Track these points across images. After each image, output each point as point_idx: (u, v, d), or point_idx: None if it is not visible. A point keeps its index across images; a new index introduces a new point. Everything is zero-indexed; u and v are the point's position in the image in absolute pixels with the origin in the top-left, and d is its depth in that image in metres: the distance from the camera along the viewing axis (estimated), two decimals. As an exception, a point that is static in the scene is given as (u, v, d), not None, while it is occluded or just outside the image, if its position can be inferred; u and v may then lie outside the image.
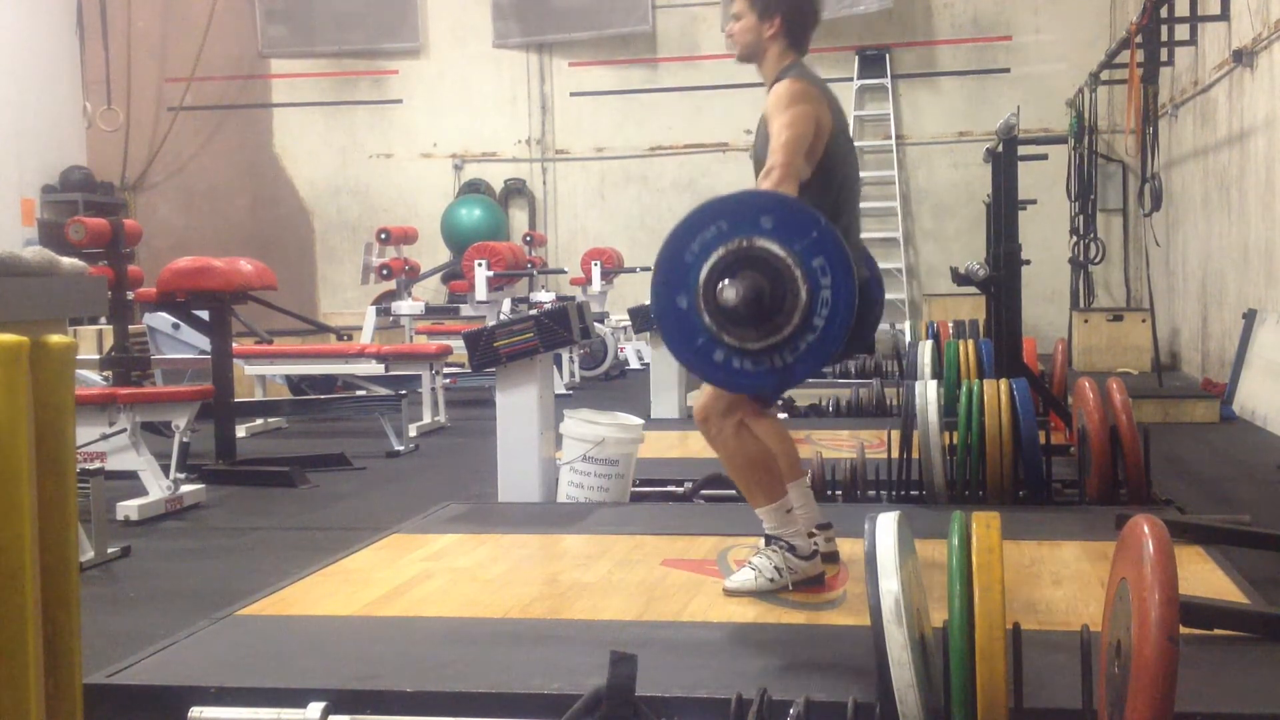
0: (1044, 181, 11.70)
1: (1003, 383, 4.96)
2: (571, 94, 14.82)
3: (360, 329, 11.27)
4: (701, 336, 3.08)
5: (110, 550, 4.90)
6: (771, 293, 3.01)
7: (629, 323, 9.72)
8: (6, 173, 13.66)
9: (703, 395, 3.58)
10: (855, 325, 3.39)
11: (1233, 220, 9.44)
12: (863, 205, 14.74)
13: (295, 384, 9.43)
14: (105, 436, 5.71)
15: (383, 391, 8.49)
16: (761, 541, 3.69)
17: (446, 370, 9.44)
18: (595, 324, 11.09)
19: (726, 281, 2.99)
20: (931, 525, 3.46)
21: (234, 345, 7.39)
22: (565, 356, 11.16)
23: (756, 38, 3.73)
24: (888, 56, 14.05)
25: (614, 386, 11.59)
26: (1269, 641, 2.97)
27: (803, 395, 7.72)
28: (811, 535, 3.69)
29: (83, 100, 13.44)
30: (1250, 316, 8.72)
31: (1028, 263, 6.88)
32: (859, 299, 3.28)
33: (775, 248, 3.01)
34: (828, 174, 3.59)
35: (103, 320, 8.94)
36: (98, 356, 8.13)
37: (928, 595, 2.66)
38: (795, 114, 3.48)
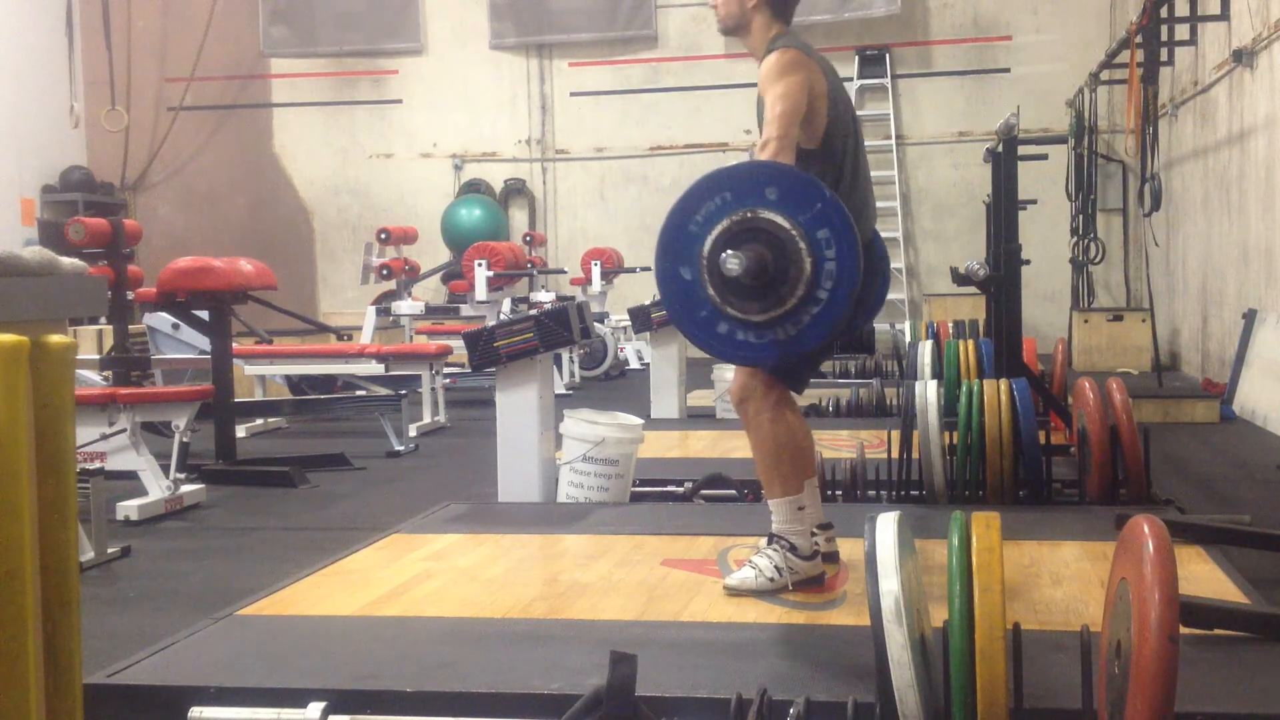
0: (1044, 181, 11.71)
1: (1003, 383, 4.95)
2: (571, 94, 14.82)
3: (360, 329, 11.27)
4: (705, 309, 3.07)
5: (110, 550, 4.90)
6: (775, 264, 2.99)
7: (629, 323, 9.71)
8: (6, 173, 13.66)
9: (740, 374, 3.55)
10: (861, 291, 3.38)
11: (1233, 220, 9.44)
12: (863, 205, 14.35)
13: (295, 384, 9.43)
14: (105, 436, 5.71)
15: (383, 391, 8.49)
16: (762, 541, 3.69)
17: (446, 370, 9.44)
18: (595, 324, 11.10)
19: (730, 252, 2.97)
20: (931, 525, 3.46)
21: (234, 345, 7.39)
22: (565, 356, 11.16)
23: (740, 8, 3.69)
24: (888, 56, 14.05)
25: (614, 386, 11.59)
26: (1269, 641, 2.97)
27: (802, 395, 7.71)
28: (813, 535, 3.69)
29: (71, 101, 13.41)
30: (1250, 316, 8.72)
31: (1028, 263, 6.88)
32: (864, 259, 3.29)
33: (780, 219, 2.99)
34: (830, 138, 3.56)
35: (103, 320, 8.94)
36: (98, 356, 8.14)
37: (928, 595, 2.66)
38: (788, 84, 3.44)
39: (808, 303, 3.01)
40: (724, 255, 2.96)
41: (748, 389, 3.52)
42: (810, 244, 2.98)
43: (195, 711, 2.74)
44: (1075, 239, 12.13)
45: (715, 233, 3.02)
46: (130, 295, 7.02)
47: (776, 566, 3.52)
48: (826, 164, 3.54)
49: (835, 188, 3.49)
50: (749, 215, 3.00)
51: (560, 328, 5.09)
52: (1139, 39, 9.32)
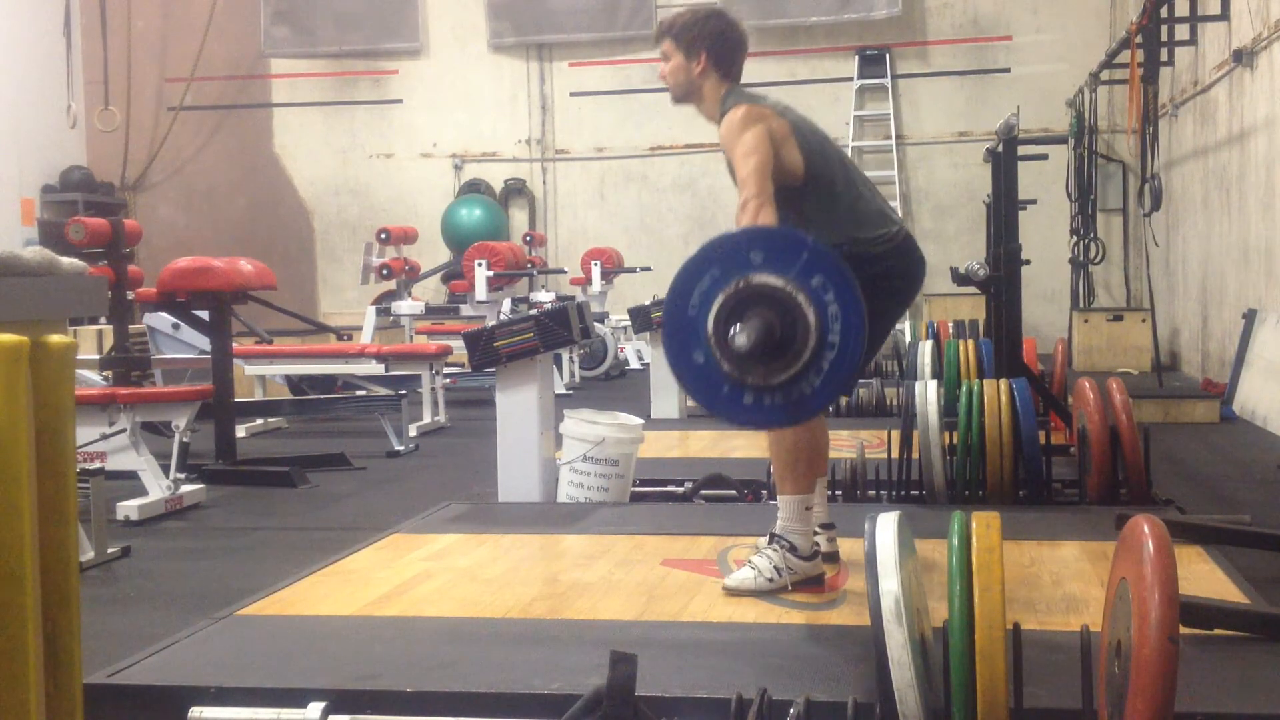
0: (1044, 181, 11.71)
1: (1003, 383, 4.95)
2: (571, 94, 14.81)
3: (360, 329, 11.27)
4: (726, 385, 3.06)
5: (110, 550, 4.90)
6: (781, 324, 3.00)
7: (629, 323, 9.72)
8: (6, 173, 13.66)
9: None
10: (906, 283, 3.58)
11: (1233, 220, 9.44)
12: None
13: (295, 384, 9.43)
14: (105, 436, 5.71)
15: (383, 391, 8.49)
16: (762, 541, 3.69)
17: (446, 370, 9.44)
18: (595, 324, 11.10)
19: (736, 328, 2.96)
20: (931, 525, 3.45)
21: (234, 345, 7.39)
22: (565, 356, 11.16)
23: (687, 76, 3.72)
24: (888, 56, 14.05)
25: (614, 386, 11.59)
26: (1269, 641, 2.97)
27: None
28: (814, 534, 3.69)
29: (68, 100, 13.42)
30: (1250, 316, 8.71)
31: (1028, 263, 6.88)
32: (910, 253, 3.45)
33: (772, 279, 3.00)
34: (811, 167, 3.58)
35: (103, 320, 8.94)
36: (98, 356, 8.14)
37: (928, 595, 2.66)
38: (749, 141, 3.47)
39: (823, 350, 3.01)
40: (730, 333, 2.97)
41: None
42: (808, 295, 2.98)
43: (195, 711, 2.74)
44: (1075, 239, 12.13)
45: (714, 310, 3.02)
46: (130, 295, 7.02)
47: (776, 567, 3.52)
48: (819, 191, 3.57)
49: (834, 207, 3.54)
50: (741, 285, 3.01)
51: (560, 328, 5.09)
52: (1139, 39, 9.32)
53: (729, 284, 3.01)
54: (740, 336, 2.94)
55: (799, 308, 2.98)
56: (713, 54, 3.68)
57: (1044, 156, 9.93)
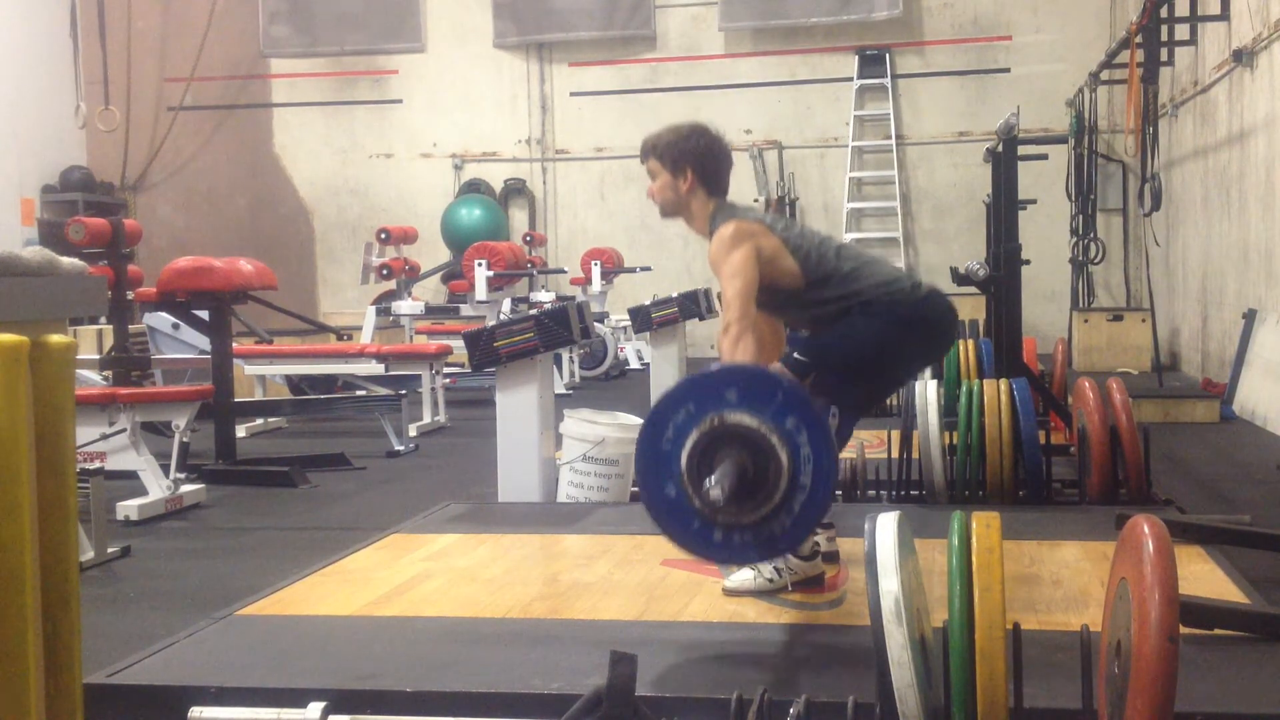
0: (1044, 181, 11.70)
1: (1003, 383, 4.96)
2: (571, 94, 14.81)
3: (360, 329, 11.27)
4: (696, 520, 3.08)
5: (110, 550, 4.90)
6: (754, 464, 3.01)
7: (629, 323, 9.71)
8: (6, 173, 13.66)
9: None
10: (935, 336, 3.68)
11: (1233, 220, 9.44)
12: (863, 205, 14.69)
13: (295, 384, 9.43)
14: (105, 436, 5.71)
15: (383, 391, 8.49)
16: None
17: (446, 370, 9.44)
18: (595, 324, 11.09)
19: (711, 480, 2.96)
20: (931, 525, 3.46)
21: (234, 345, 7.39)
22: (565, 356, 11.16)
23: (675, 194, 3.75)
24: (888, 56, 14.04)
25: (614, 386, 11.59)
26: (1269, 641, 2.97)
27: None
28: (814, 533, 3.69)
29: (76, 100, 13.43)
30: (1250, 316, 8.71)
31: (1028, 263, 6.88)
32: (940, 302, 3.53)
33: (746, 419, 3.01)
34: (807, 266, 3.62)
35: (103, 320, 8.94)
36: (98, 356, 8.13)
37: (928, 595, 2.66)
38: (735, 263, 3.50)
39: (794, 492, 3.02)
40: (707, 486, 2.97)
41: None
42: (781, 436, 2.99)
43: (195, 711, 2.74)
44: (1075, 239, 12.13)
45: (688, 446, 3.03)
46: (130, 295, 7.02)
47: (775, 567, 3.53)
48: (826, 283, 3.61)
49: (846, 283, 3.59)
50: (716, 422, 3.02)
51: (560, 328, 5.09)
52: (1139, 39, 9.31)
53: (703, 420, 3.02)
54: (715, 490, 2.93)
55: (773, 448, 2.99)
56: (699, 171, 3.72)
57: (1044, 156, 9.93)
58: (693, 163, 3.71)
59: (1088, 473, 4.90)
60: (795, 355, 3.60)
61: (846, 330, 3.61)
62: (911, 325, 3.65)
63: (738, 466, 2.98)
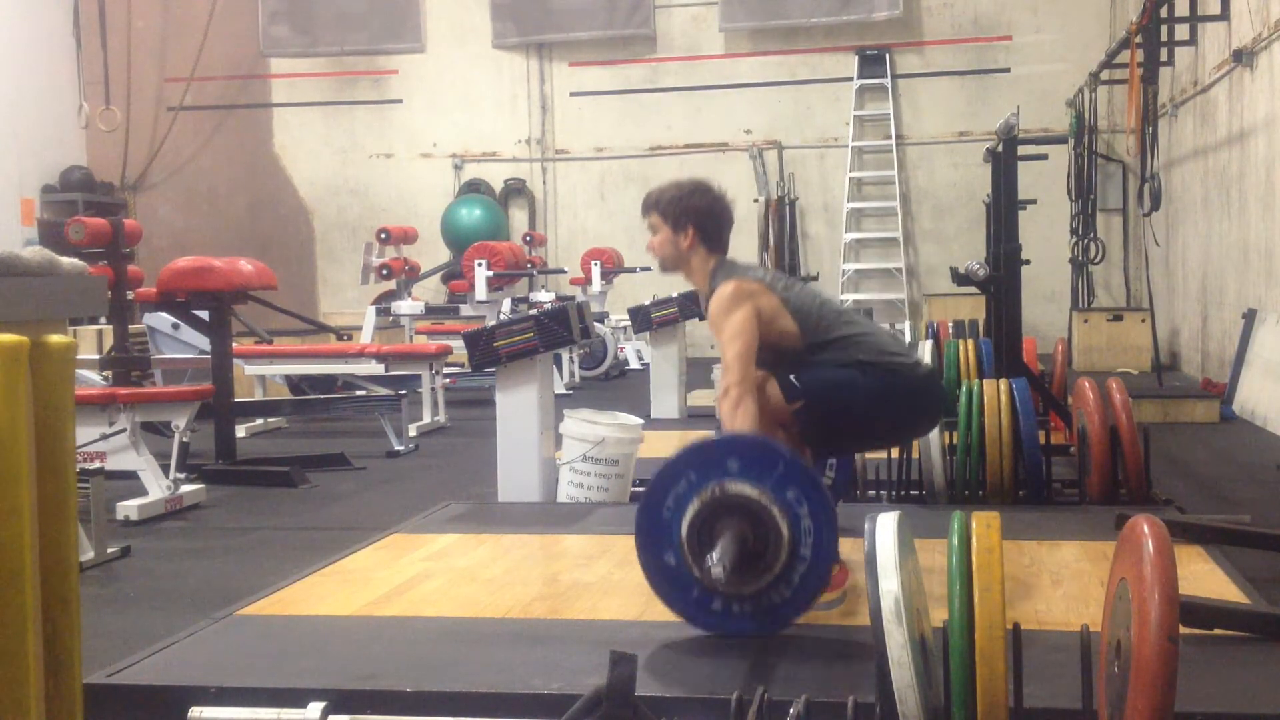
0: (1044, 181, 11.70)
1: (1003, 383, 4.95)
2: (571, 94, 14.82)
3: (360, 329, 11.26)
4: (696, 589, 3.08)
5: (110, 550, 4.90)
6: (755, 534, 3.00)
7: (629, 323, 9.71)
8: (6, 173, 13.66)
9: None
10: (924, 412, 3.74)
11: (1233, 220, 9.44)
12: (863, 205, 14.69)
13: (295, 384, 9.43)
14: (105, 436, 5.71)
15: (383, 391, 8.49)
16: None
17: (446, 370, 9.44)
18: (595, 324, 11.09)
19: (713, 556, 2.95)
20: (931, 525, 3.45)
21: (234, 345, 7.39)
22: (565, 356, 11.16)
23: (675, 250, 3.77)
24: (888, 56, 14.05)
25: (614, 386, 11.59)
26: (1269, 641, 2.96)
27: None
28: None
29: (79, 100, 13.44)
30: (1250, 316, 8.71)
31: (1028, 263, 6.87)
32: (934, 383, 3.58)
33: (747, 489, 3.01)
34: (813, 339, 3.65)
35: (103, 320, 8.94)
36: (98, 356, 8.13)
37: (928, 595, 2.66)
38: (735, 324, 3.53)
39: (794, 564, 3.02)
40: (707, 565, 2.96)
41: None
42: (781, 507, 2.99)
43: (195, 711, 2.74)
44: (1075, 239, 12.13)
45: (689, 515, 3.03)
46: (130, 295, 7.02)
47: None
48: (827, 345, 3.64)
49: (846, 347, 3.62)
50: (717, 492, 3.02)
51: (560, 328, 5.09)
52: (1139, 39, 9.31)
53: (704, 490, 3.03)
54: (717, 568, 2.93)
55: (773, 519, 2.99)
56: (699, 228, 3.73)
57: (1044, 156, 9.93)
58: (694, 220, 3.73)
59: (1088, 473, 4.89)
60: (791, 378, 3.62)
61: (846, 378, 3.63)
62: (905, 397, 3.69)
63: (738, 538, 2.97)
